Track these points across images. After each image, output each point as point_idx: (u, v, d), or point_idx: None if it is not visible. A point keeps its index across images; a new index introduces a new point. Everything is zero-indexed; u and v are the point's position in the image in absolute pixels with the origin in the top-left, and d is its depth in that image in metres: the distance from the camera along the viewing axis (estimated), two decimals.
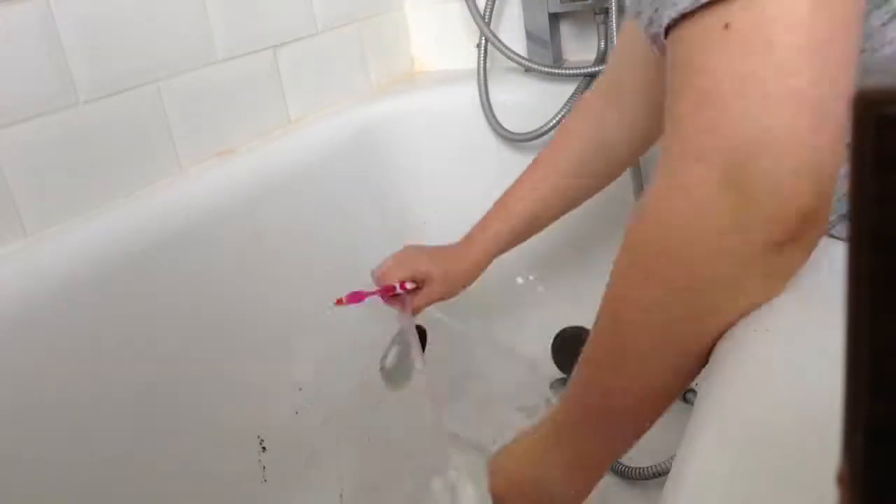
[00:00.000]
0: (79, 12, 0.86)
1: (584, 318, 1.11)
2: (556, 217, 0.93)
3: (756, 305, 0.45)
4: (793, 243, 0.42)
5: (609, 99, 0.84)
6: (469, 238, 0.94)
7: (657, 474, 0.94)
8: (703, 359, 0.54)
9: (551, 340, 1.15)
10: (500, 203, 0.93)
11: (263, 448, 0.99)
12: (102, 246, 0.84)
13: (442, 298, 0.92)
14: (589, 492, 0.62)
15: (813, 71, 0.38)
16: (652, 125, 0.80)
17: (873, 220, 0.16)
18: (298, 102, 1.17)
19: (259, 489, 0.98)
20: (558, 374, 1.16)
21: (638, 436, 0.57)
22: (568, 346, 1.13)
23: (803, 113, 0.38)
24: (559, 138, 0.91)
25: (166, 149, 0.97)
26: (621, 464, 0.97)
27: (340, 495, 0.88)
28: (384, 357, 1.01)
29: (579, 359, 0.55)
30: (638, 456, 0.99)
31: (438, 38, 1.44)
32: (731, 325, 0.47)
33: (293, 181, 1.09)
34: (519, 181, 0.92)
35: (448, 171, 1.34)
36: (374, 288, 0.91)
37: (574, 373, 0.56)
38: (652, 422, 0.55)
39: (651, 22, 0.49)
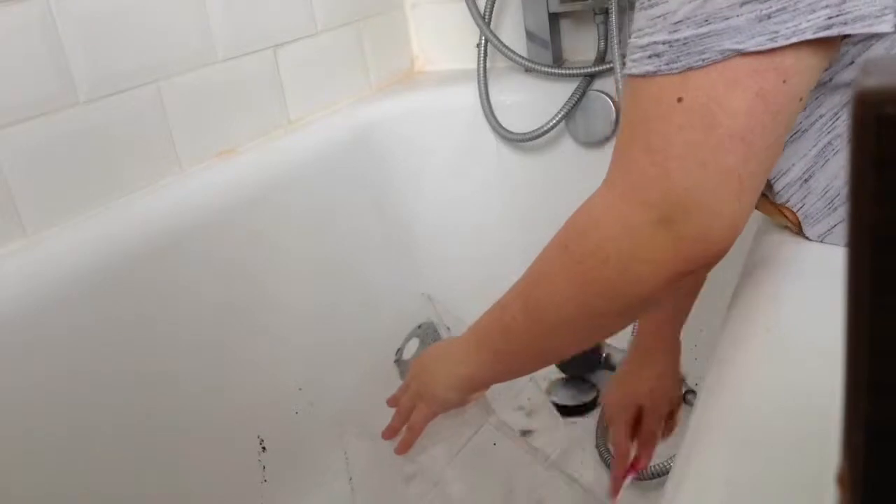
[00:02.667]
0: (79, 12, 0.86)
1: None
2: None
3: (650, 309, 0.56)
4: (698, 272, 0.50)
5: None
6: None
7: (657, 474, 0.94)
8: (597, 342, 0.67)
9: None
10: None
11: (263, 448, 0.99)
12: (102, 246, 0.84)
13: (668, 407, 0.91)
14: (462, 400, 0.74)
15: (743, 152, 0.46)
16: None
17: (873, 219, 0.16)
18: (298, 102, 1.17)
19: (259, 489, 0.98)
20: (558, 374, 1.16)
21: (521, 375, 0.71)
22: None
23: (730, 183, 0.47)
24: None
25: (166, 149, 0.97)
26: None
27: (350, 480, 0.87)
28: (401, 349, 1.01)
29: (501, 298, 0.63)
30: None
31: (438, 38, 1.44)
32: (632, 322, 0.59)
33: (293, 181, 1.09)
34: None
35: (448, 171, 1.34)
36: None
37: (493, 306, 0.64)
38: (535, 370, 0.68)
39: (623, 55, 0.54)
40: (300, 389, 1.06)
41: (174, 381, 0.89)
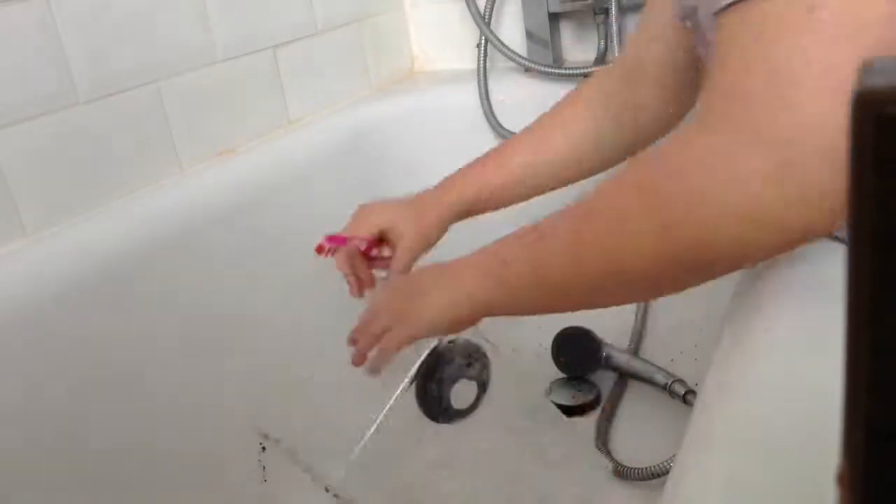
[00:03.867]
0: (79, 12, 0.86)
1: (585, 318, 1.10)
2: (539, 190, 0.86)
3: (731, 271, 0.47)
4: (804, 241, 0.42)
5: (629, 81, 0.79)
6: (440, 185, 0.89)
7: (657, 474, 0.93)
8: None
9: (551, 340, 1.15)
10: (488, 157, 0.87)
11: (263, 448, 0.99)
12: (102, 246, 0.84)
13: (421, 251, 0.85)
14: (451, 330, 0.65)
15: None
16: (674, 111, 0.76)
17: (873, 220, 0.16)
18: (298, 102, 1.17)
19: (259, 489, 0.98)
20: (558, 374, 1.15)
21: (539, 314, 0.62)
22: (568, 346, 1.13)
23: None
24: (568, 107, 0.83)
25: (166, 149, 0.97)
26: (621, 464, 0.97)
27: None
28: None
29: (538, 225, 0.55)
30: (638, 456, 0.99)
31: (438, 38, 1.44)
32: (697, 284, 0.49)
33: (293, 181, 1.09)
34: (514, 139, 0.87)
35: (448, 171, 1.34)
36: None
37: (524, 233, 0.57)
38: (561, 312, 0.60)
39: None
40: (300, 389, 1.06)
41: (174, 381, 0.89)
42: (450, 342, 0.74)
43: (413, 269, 0.77)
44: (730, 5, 0.43)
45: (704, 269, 0.46)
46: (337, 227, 1.17)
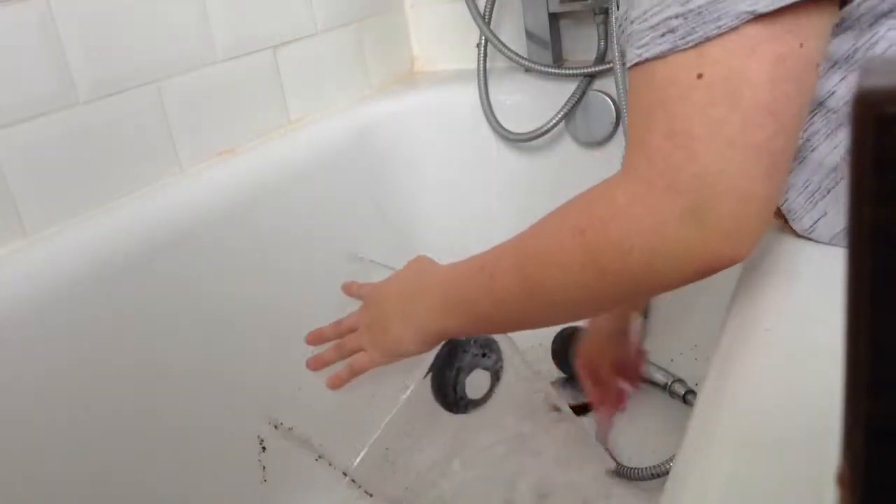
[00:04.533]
0: (79, 12, 0.86)
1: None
2: None
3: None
4: (721, 269, 0.48)
5: None
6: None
7: (657, 474, 0.93)
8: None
9: (551, 340, 1.15)
10: None
11: (263, 448, 0.99)
12: (102, 246, 0.84)
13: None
14: (421, 353, 0.70)
15: (771, 126, 0.44)
16: None
17: (873, 219, 0.16)
18: (298, 102, 1.17)
19: (259, 489, 0.98)
20: (558, 374, 1.16)
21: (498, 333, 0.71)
22: (568, 346, 1.13)
23: (761, 162, 0.44)
24: None
25: (166, 149, 0.97)
26: (621, 464, 0.97)
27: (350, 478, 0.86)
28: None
29: (484, 262, 0.61)
30: (638, 456, 0.99)
31: (438, 38, 1.44)
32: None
33: (293, 181, 1.09)
34: None
35: (448, 171, 1.34)
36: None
37: (474, 269, 0.62)
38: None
39: (622, 55, 0.53)
40: (300, 389, 1.06)
41: (174, 382, 0.89)
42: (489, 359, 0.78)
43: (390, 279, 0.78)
44: (636, 64, 0.48)
45: (638, 299, 0.58)
46: (336, 227, 1.17)
